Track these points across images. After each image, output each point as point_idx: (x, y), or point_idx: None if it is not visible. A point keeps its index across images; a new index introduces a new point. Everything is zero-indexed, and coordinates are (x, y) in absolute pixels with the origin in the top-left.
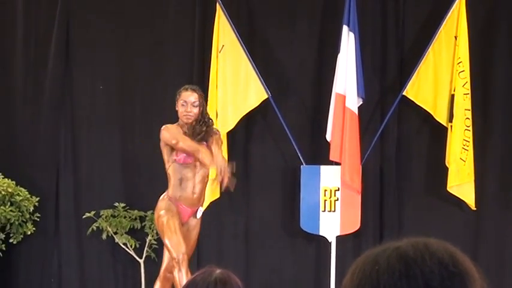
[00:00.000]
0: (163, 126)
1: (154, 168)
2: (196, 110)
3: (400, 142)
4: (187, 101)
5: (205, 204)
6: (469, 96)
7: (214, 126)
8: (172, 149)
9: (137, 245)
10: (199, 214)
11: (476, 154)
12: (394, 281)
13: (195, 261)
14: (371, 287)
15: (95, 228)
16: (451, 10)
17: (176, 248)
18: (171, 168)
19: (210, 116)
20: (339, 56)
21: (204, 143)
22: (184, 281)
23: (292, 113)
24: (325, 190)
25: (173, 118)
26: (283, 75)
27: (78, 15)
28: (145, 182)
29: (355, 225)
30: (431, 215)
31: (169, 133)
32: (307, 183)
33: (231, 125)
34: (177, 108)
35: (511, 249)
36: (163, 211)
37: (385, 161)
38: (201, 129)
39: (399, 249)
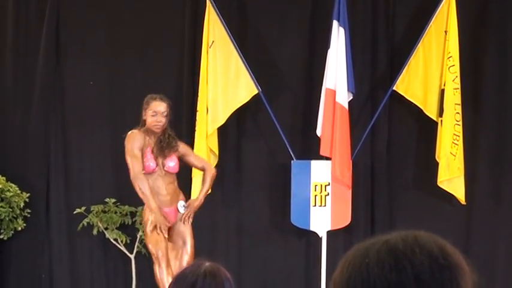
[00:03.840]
0: (129, 133)
1: None
2: (164, 120)
3: (390, 137)
4: (157, 111)
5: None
6: (459, 90)
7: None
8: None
9: (128, 241)
10: (181, 208)
11: (467, 148)
12: (384, 274)
13: None
14: (361, 280)
15: (85, 223)
16: (441, 5)
17: (155, 245)
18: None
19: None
20: (329, 51)
21: (173, 155)
22: (164, 276)
23: (283, 108)
24: (316, 185)
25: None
26: (274, 71)
27: (68, 12)
28: None
29: (345, 220)
30: (422, 209)
31: (128, 145)
32: (297, 178)
33: (221, 120)
34: (144, 117)
35: (502, 243)
36: (149, 221)
37: (375, 155)
38: (167, 142)
39: (389, 243)
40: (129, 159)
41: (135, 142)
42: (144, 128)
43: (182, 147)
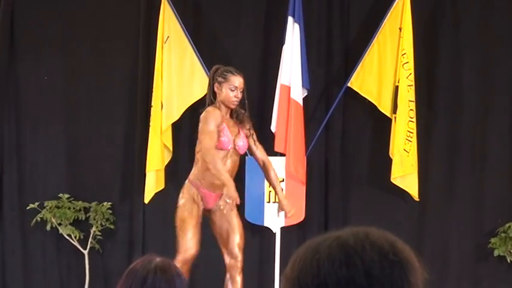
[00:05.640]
0: (205, 111)
1: (99, 159)
2: (241, 95)
3: (344, 133)
4: (237, 86)
5: (150, 195)
6: (413, 87)
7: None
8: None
9: (81, 236)
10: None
11: (420, 145)
12: (334, 269)
13: (140, 250)
14: (312, 275)
15: (39, 219)
16: (396, 2)
17: (183, 247)
18: (201, 153)
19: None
20: (284, 47)
21: (241, 132)
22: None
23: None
24: None
25: (119, 109)
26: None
27: (22, 6)
28: (90, 173)
29: (299, 216)
30: (376, 206)
31: (204, 123)
32: (251, 174)
33: (175, 116)
34: (217, 91)
35: (455, 240)
36: (184, 201)
37: (329, 152)
38: (241, 117)
39: (340, 239)
40: (202, 136)
41: (211, 120)
42: (217, 104)
43: (250, 126)
